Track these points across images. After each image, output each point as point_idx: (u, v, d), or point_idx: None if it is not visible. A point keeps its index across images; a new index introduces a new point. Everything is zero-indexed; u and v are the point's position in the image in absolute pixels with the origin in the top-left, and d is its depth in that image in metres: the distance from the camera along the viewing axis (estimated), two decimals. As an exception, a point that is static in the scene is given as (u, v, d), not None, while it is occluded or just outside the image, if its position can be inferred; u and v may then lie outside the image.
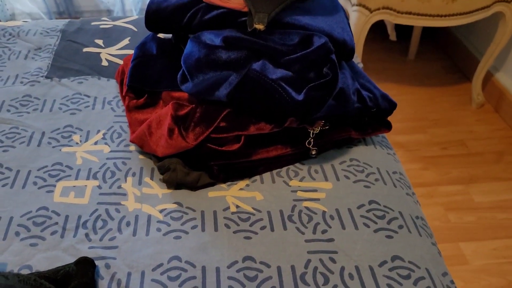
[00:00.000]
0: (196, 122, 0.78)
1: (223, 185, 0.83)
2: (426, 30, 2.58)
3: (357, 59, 1.41)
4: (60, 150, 0.89)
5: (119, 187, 0.82)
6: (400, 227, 0.77)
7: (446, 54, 2.55)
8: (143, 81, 0.89)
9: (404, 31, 2.53)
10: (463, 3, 1.82)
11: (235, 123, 0.79)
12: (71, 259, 0.69)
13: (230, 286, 0.67)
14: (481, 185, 1.87)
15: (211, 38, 0.77)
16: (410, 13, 1.85)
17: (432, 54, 2.56)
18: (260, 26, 0.75)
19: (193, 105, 0.80)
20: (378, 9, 1.84)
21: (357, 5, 1.84)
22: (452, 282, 0.71)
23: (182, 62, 0.78)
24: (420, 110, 2.20)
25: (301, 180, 0.84)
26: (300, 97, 0.74)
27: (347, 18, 0.90)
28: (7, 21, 2.43)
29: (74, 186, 0.82)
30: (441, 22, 1.87)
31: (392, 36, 2.36)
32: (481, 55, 2.26)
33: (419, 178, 1.89)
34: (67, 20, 1.30)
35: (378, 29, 2.51)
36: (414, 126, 2.12)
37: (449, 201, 1.79)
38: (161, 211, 0.78)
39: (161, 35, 0.98)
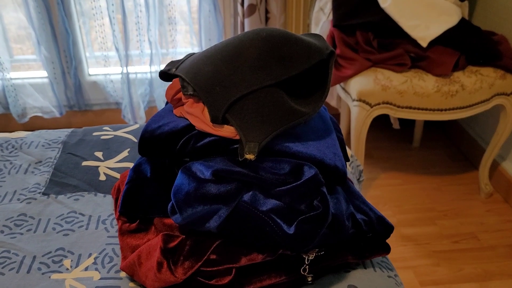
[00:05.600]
0: (185, 256, 0.77)
1: None
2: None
3: (357, 162, 1.41)
4: (50, 277, 0.88)
5: None
6: None
7: (451, 141, 2.56)
8: (135, 208, 0.89)
9: (407, 119, 2.56)
10: (462, 97, 1.85)
11: (226, 255, 0.77)
12: None
13: None
14: (497, 283, 1.79)
15: (201, 169, 0.77)
16: (410, 107, 1.87)
17: (437, 141, 2.57)
18: (250, 156, 0.76)
19: (183, 237, 0.79)
20: (378, 104, 1.87)
21: (357, 101, 1.87)
22: None
23: (172, 195, 0.78)
24: (428, 200, 2.16)
25: None
26: (291, 230, 0.73)
27: (339, 131, 0.91)
28: (18, 115, 2.51)
29: (60, 320, 0.80)
30: (441, 116, 1.89)
31: (395, 124, 2.38)
32: (486, 144, 2.26)
33: (431, 275, 1.82)
34: (70, 130, 1.33)
35: (381, 117, 2.54)
36: (422, 218, 2.08)
37: (464, 301, 1.71)
38: None
39: (156, 156, 0.99)
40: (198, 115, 0.82)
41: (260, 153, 0.78)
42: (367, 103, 1.87)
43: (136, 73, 2.49)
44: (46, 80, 2.51)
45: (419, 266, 1.87)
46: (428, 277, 1.82)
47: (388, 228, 0.85)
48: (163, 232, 0.81)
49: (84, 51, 2.52)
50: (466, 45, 1.89)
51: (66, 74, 2.49)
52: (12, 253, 0.93)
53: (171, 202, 0.79)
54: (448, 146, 2.53)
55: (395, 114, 1.90)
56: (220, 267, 0.77)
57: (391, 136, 2.62)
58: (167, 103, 0.98)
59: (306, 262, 0.81)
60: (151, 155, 0.90)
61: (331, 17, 2.05)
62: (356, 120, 1.92)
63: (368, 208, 0.86)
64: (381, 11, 1.91)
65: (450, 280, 1.80)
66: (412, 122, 2.54)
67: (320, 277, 0.86)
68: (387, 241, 0.87)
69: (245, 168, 0.76)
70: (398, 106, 1.88)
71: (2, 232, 0.98)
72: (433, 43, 1.88)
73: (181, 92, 0.87)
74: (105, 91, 2.56)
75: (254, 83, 0.79)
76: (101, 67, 2.53)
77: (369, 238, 0.84)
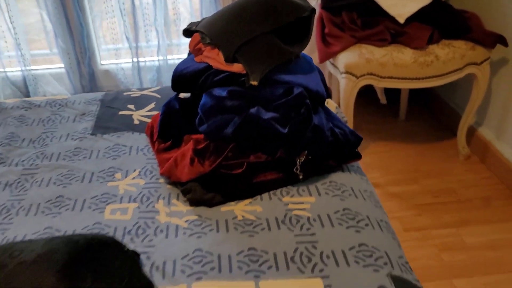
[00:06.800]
0: (210, 153, 1.11)
1: (232, 203, 1.14)
2: (413, 94, 2.94)
3: (342, 114, 1.74)
4: (107, 184, 1.21)
5: (154, 207, 1.13)
6: (366, 225, 1.05)
7: (433, 114, 2.89)
8: (169, 130, 1.23)
9: (393, 95, 2.89)
10: (437, 67, 2.18)
11: (239, 153, 1.11)
12: (121, 253, 0.98)
13: (239, 266, 0.95)
14: (472, 228, 2.09)
15: (220, 92, 1.11)
16: (391, 77, 2.20)
17: (421, 114, 2.90)
18: (254, 83, 1.10)
19: (208, 142, 1.12)
20: (363, 75, 2.20)
21: (345, 73, 2.20)
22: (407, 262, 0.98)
23: (199, 110, 1.12)
24: (412, 164, 2.48)
25: (291, 197, 1.14)
26: (285, 130, 1.06)
27: (322, 75, 1.24)
28: (39, 102, 2.84)
29: (119, 208, 1.13)
30: (419, 84, 2.22)
31: (382, 99, 2.72)
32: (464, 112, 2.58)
33: (413, 223, 2.13)
34: (103, 92, 1.68)
35: (370, 94, 2.87)
36: (407, 178, 2.40)
37: (442, 242, 2.01)
38: (185, 221, 1.08)
39: (181, 95, 1.33)
40: (214, 57, 1.16)
41: (261, 82, 1.12)
42: (353, 75, 2.20)
43: (145, 61, 2.83)
44: (63, 70, 2.84)
45: (404, 216, 2.17)
46: (411, 225, 2.12)
47: (358, 138, 1.19)
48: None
49: (97, 43, 2.86)
50: (439, 20, 2.22)
51: (81, 64, 2.83)
52: (75, 171, 1.27)
53: (198, 116, 1.13)
54: (431, 119, 2.86)
55: (378, 83, 2.23)
56: (235, 161, 1.10)
57: (379, 111, 2.95)
58: (189, 53, 1.32)
59: (298, 163, 1.15)
60: (181, 90, 1.25)
61: (320, 0, 2.39)
62: (344, 90, 2.25)
63: (343, 125, 1.20)
64: (363, -7, 2.25)
65: (430, 227, 2.11)
66: (397, 98, 2.87)
67: (309, 176, 1.19)
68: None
69: (251, 90, 1.10)
70: (381, 77, 2.21)
71: (64, 159, 1.32)
72: (410, 20, 2.21)
73: (201, 43, 1.21)
74: (116, 78, 2.90)
75: (255, 31, 1.14)
76: (113, 59, 2.87)
77: (344, 146, 1.18)
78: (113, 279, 0.68)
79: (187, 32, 1.29)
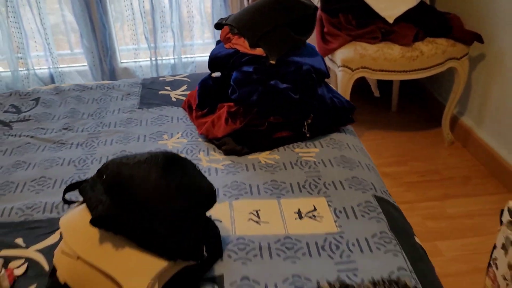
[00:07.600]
0: (240, 114, 1.53)
1: (256, 153, 1.55)
2: (404, 88, 3.36)
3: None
4: (158, 142, 1.63)
5: (197, 156, 1.54)
6: (358, 166, 1.49)
7: (421, 106, 3.32)
8: (205, 101, 1.66)
9: (386, 89, 3.31)
10: (422, 61, 2.60)
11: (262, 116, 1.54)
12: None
13: (265, 191, 1.36)
14: (453, 201, 2.48)
15: (247, 68, 1.54)
16: (382, 70, 2.62)
17: (411, 106, 3.32)
18: (273, 62, 1.53)
19: (238, 106, 1.55)
20: (358, 68, 2.61)
21: (341, 66, 2.62)
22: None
23: (231, 82, 1.55)
24: (402, 149, 2.88)
25: (301, 148, 1.57)
26: (297, 97, 1.48)
27: (323, 58, 1.67)
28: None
29: (170, 157, 1.54)
30: (406, 76, 2.64)
31: (376, 93, 3.13)
32: (447, 103, 2.99)
33: (402, 197, 2.52)
34: (142, 78, 2.10)
35: (364, 88, 3.28)
36: (397, 161, 2.80)
37: (426, 213, 2.40)
38: (222, 165, 1.49)
39: (213, 75, 1.75)
40: (241, 44, 1.59)
41: (278, 62, 1.54)
42: (349, 68, 2.62)
43: (162, 59, 3.25)
44: (86, 68, 3.26)
45: (394, 192, 2.56)
46: (400, 199, 2.51)
47: (352, 106, 1.62)
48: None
49: (117, 43, 3.27)
50: (424, 21, 2.63)
51: (103, 62, 3.24)
52: (131, 134, 1.69)
53: (231, 87, 1.55)
54: (420, 110, 3.28)
55: (371, 76, 2.65)
56: (259, 121, 1.52)
57: (373, 104, 3.37)
58: (218, 42, 1.75)
59: (306, 125, 1.56)
60: (215, 69, 1.67)
61: (319, 4, 2.82)
62: (341, 82, 2.66)
63: (340, 96, 1.63)
64: (357, -2, 2.67)
65: (417, 200, 2.50)
66: (389, 91, 3.29)
67: (314, 135, 1.61)
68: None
69: (270, 68, 1.53)
70: (373, 70, 2.63)
71: (120, 126, 1.74)
72: (398, 20, 2.63)
73: (230, 33, 1.63)
74: (135, 75, 3.31)
75: (272, 23, 1.57)
76: (131, 58, 3.29)
77: (341, 112, 1.60)
78: (193, 177, 1.07)
79: (218, 25, 1.72)
